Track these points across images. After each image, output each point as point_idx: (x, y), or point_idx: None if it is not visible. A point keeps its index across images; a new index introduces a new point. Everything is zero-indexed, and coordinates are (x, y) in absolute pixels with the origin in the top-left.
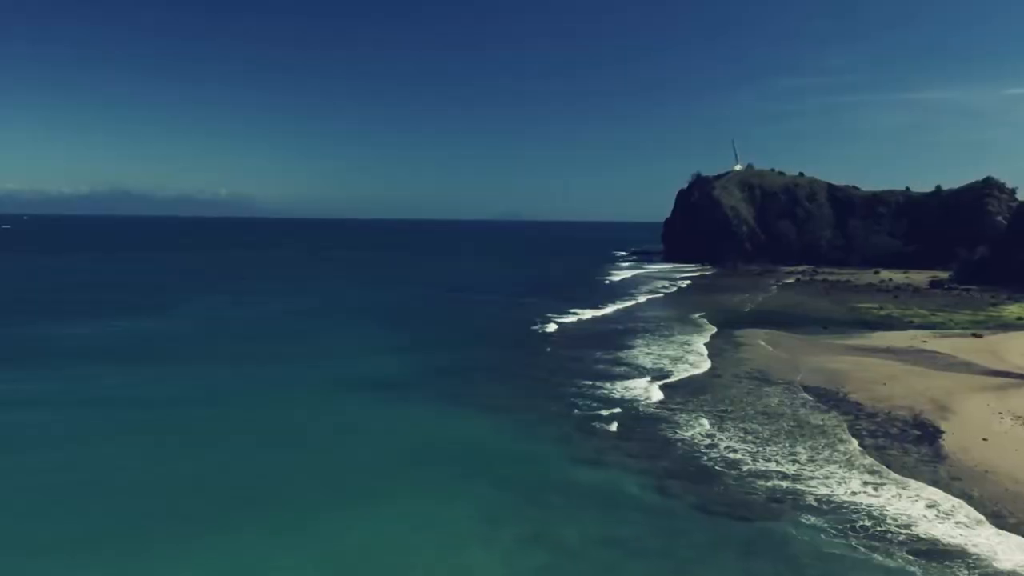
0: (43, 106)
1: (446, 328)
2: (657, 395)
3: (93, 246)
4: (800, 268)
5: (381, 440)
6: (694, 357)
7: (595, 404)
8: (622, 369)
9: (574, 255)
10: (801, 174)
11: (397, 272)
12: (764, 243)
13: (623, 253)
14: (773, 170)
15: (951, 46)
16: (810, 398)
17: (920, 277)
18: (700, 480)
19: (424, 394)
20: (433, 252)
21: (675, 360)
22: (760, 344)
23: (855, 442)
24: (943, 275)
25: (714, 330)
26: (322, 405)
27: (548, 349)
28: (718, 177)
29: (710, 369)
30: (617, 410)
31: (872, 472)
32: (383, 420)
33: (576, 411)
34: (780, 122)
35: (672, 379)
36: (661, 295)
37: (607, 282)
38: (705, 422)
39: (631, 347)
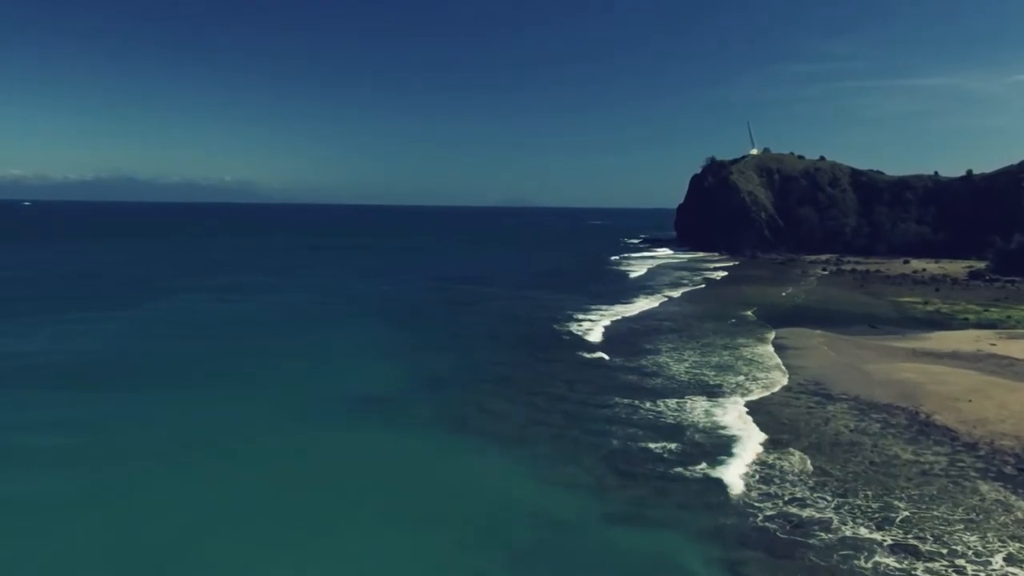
0: (48, 94)
1: (450, 329)
2: (712, 419)
3: (86, 233)
4: (824, 257)
5: (363, 489)
6: (745, 366)
7: (632, 432)
8: (662, 383)
9: (584, 243)
10: (822, 158)
11: (398, 261)
12: (784, 230)
13: (635, 241)
14: (792, 154)
15: (957, 32)
16: (887, 421)
17: (955, 267)
18: (778, 551)
19: (422, 417)
20: (438, 239)
21: (723, 370)
22: (816, 348)
23: (971, 491)
24: (979, 265)
25: (772, 333)
26: (296, 436)
27: (572, 357)
28: (734, 161)
29: (782, 387)
30: (661, 443)
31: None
32: (369, 457)
33: (613, 442)
34: (785, 108)
35: (732, 398)
36: (691, 289)
37: (630, 275)
38: (771, 458)
39: (673, 355)
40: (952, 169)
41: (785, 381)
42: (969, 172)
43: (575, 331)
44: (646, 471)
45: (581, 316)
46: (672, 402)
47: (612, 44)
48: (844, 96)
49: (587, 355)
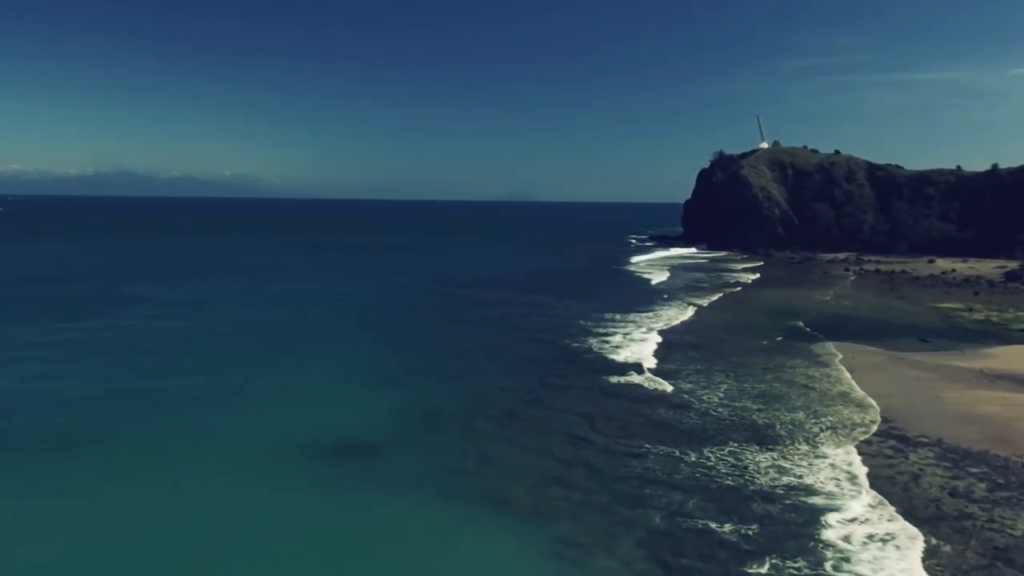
0: (48, 89)
1: (448, 346)
2: (781, 479)
3: (65, 230)
4: (842, 256)
5: None
6: (799, 397)
7: (680, 501)
8: (709, 423)
9: (590, 240)
10: (837, 151)
11: (395, 261)
12: (798, 227)
13: (642, 238)
14: (805, 147)
15: (957, 26)
16: (991, 477)
17: (986, 267)
18: None
19: (410, 475)
20: (438, 236)
21: (781, 404)
22: (876, 370)
23: None
24: (1011, 264)
25: (829, 351)
26: (249, 508)
27: (592, 383)
28: (743, 155)
29: (861, 430)
30: (720, 518)
31: None
32: (338, 539)
33: (655, 516)
34: (785, 102)
35: (798, 446)
36: (723, 296)
37: (650, 280)
38: (866, 547)
39: (717, 381)
40: (952, 162)
41: (864, 421)
42: (994, 166)
43: (595, 349)
44: (704, 566)
45: (599, 329)
46: (725, 452)
47: (611, 37)
48: (844, 90)
49: (612, 380)
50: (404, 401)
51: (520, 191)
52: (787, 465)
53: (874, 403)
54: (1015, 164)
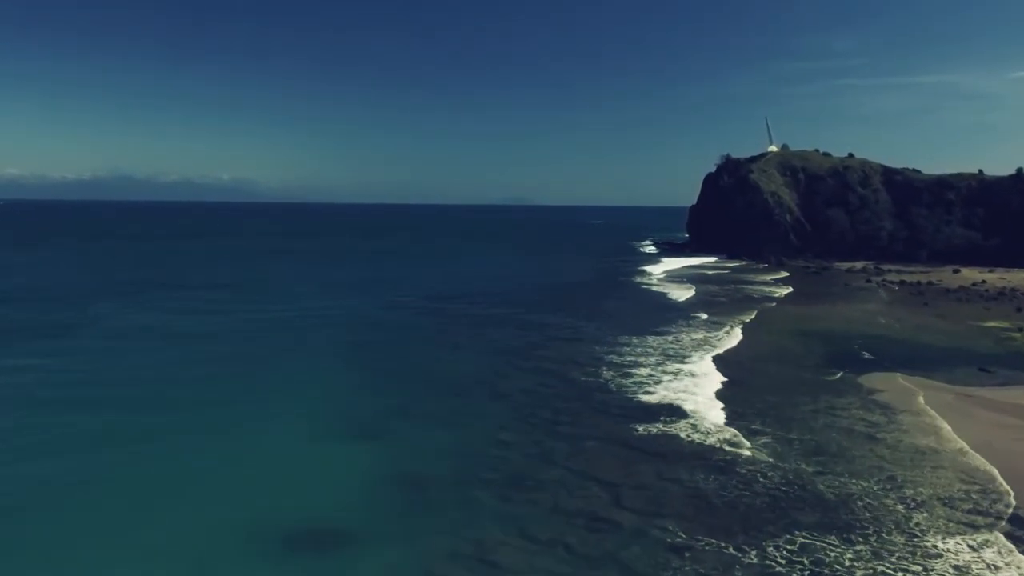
0: (46, 92)
1: (439, 380)
2: None
3: (47, 237)
4: (859, 265)
5: None
6: (888, 464)
7: None
8: (766, 499)
9: (594, 246)
10: (851, 155)
11: (387, 270)
12: (810, 234)
13: (647, 244)
14: (817, 150)
15: (956, 30)
16: None
17: (1017, 278)
18: None
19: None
20: (436, 239)
21: (853, 467)
22: (953, 414)
23: None
24: None
25: (914, 391)
26: None
27: (614, 433)
28: (752, 159)
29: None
30: None
31: None
32: None
33: None
34: (783, 105)
35: (892, 535)
36: (758, 316)
37: (668, 294)
38: None
39: (771, 434)
40: (953, 165)
41: (969, 493)
42: (1019, 170)
43: (613, 386)
44: None
45: (617, 359)
46: (795, 547)
47: (610, 40)
48: (842, 93)
49: (638, 430)
50: (385, 463)
51: (519, 195)
52: (890, 572)
53: (988, 466)
54: (1017, 166)
